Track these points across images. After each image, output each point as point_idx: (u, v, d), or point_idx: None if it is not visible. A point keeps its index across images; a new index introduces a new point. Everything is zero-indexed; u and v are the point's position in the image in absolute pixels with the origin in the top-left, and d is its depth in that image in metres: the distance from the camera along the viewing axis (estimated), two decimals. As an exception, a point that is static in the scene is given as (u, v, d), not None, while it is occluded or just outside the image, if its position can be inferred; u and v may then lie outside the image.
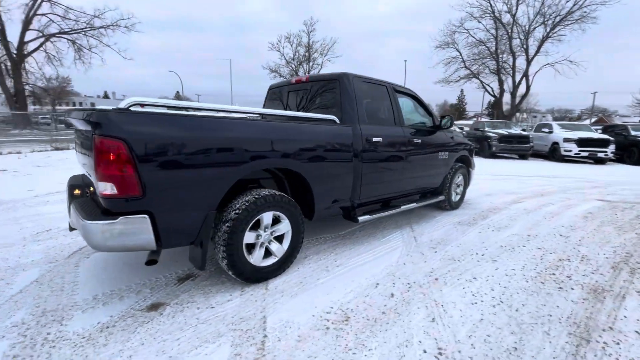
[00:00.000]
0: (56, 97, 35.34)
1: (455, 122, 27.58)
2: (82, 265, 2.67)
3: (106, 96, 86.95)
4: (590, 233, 3.75)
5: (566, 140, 12.22)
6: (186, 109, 2.27)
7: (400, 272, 2.65)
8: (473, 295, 2.30)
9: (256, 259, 2.38)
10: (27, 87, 24.69)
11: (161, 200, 1.84)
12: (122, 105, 1.79)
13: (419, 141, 3.70)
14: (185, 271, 2.59)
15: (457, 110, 66.12)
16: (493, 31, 20.67)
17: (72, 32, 25.19)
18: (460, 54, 21.77)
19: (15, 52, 23.23)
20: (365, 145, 3.02)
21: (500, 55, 20.69)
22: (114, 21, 25.55)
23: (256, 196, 2.29)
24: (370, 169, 3.14)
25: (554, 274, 2.66)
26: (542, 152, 13.61)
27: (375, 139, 3.10)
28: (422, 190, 4.09)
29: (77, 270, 2.58)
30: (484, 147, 13.48)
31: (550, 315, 2.06)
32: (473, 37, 21.12)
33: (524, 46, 20.09)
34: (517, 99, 20.91)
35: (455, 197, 4.71)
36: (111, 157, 1.67)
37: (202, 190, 1.98)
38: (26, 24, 23.44)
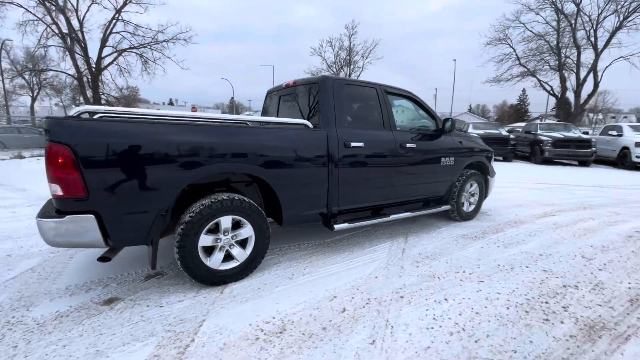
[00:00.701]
0: (126, 105, 39.95)
1: (512, 125, 25.21)
2: (76, 257, 2.95)
3: (171, 103, 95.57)
4: (624, 256, 3.15)
5: (639, 144, 10.50)
6: (137, 115, 2.39)
7: (366, 286, 2.48)
8: (434, 318, 2.06)
9: (214, 262, 2.41)
10: (102, 96, 28.18)
11: (106, 201, 1.95)
12: (72, 113, 1.94)
13: (413, 146, 3.45)
14: (157, 269, 2.72)
15: (517, 112, 60.60)
16: (554, 23, 18.48)
17: (140, 46, 28.22)
18: (514, 50, 19.82)
19: (94, 66, 26.65)
20: (342, 151, 2.90)
21: (563, 50, 18.38)
22: (173, 35, 28.05)
23: (212, 200, 2.33)
24: (350, 175, 3.01)
25: (547, 302, 2.28)
26: (610, 158, 11.86)
27: (354, 144, 2.97)
28: (421, 199, 3.80)
29: (69, 261, 2.86)
30: (536, 152, 12.17)
31: (515, 352, 1.76)
32: (530, 30, 19.07)
33: (591, 38, 17.61)
34: (584, 98, 18.41)
35: (468, 208, 4.30)
36: (59, 160, 1.83)
37: (148, 194, 2.07)
38: (103, 42, 26.77)
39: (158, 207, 2.12)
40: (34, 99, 38.48)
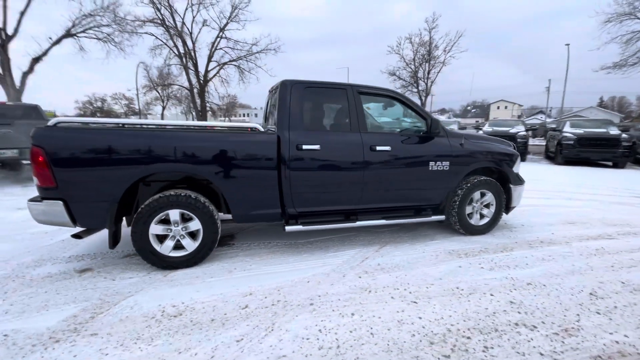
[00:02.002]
0: (227, 110, 46.13)
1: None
2: (99, 234, 3.73)
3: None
4: (662, 302, 2.32)
5: None
6: (103, 124, 2.89)
7: (288, 289, 2.49)
8: (319, 330, 1.97)
9: (164, 248, 2.77)
10: (207, 104, 33.04)
11: (70, 191, 2.50)
12: (50, 123, 2.54)
13: (387, 149, 3.20)
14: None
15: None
16: None
17: (238, 59, 32.06)
18: (650, 25, 15.15)
19: (202, 79, 31.46)
20: (294, 153, 2.93)
21: None
22: (264, 47, 31.08)
23: (160, 195, 2.69)
24: (305, 177, 3.01)
25: (469, 337, 1.90)
26: None
27: (307, 147, 2.96)
28: (406, 206, 3.48)
29: (93, 236, 3.63)
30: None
31: (368, 380, 1.58)
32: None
33: None
34: None
35: (478, 220, 3.72)
36: (38, 159, 2.43)
37: (102, 187, 2.54)
38: (209, 58, 31.32)
39: (110, 198, 2.58)
40: (163, 108, 47.64)
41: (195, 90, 31.76)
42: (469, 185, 3.57)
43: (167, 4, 27.37)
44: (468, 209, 3.65)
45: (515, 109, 60.80)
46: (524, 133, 11.90)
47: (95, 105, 60.78)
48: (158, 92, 43.51)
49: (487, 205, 3.76)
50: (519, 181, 3.87)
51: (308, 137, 2.99)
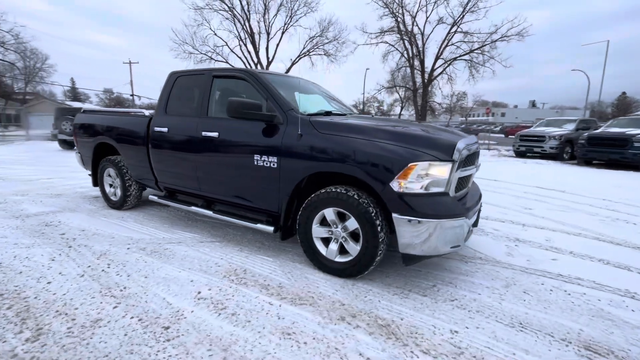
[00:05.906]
0: (450, 110, 43.37)
1: None
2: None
3: (534, 105, 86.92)
4: None
5: None
6: (98, 111, 4.51)
7: (92, 236, 3.17)
8: (27, 258, 2.63)
9: (109, 192, 4.21)
10: (427, 103, 32.71)
11: (79, 148, 4.42)
12: (81, 110, 4.52)
13: (214, 135, 2.89)
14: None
15: None
16: None
17: (470, 52, 29.27)
18: None
19: (427, 77, 31.47)
20: (152, 134, 3.42)
21: None
22: (502, 34, 26.65)
23: (105, 158, 4.13)
24: (157, 156, 3.44)
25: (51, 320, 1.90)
26: None
27: (158, 129, 3.34)
28: (241, 205, 2.95)
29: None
30: None
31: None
32: None
33: None
34: None
35: (335, 254, 2.46)
36: (74, 130, 4.51)
37: (87, 145, 4.27)
38: (437, 55, 30.68)
39: (89, 153, 4.28)
40: (401, 109, 51.80)
41: (419, 92, 32.25)
42: (313, 196, 2.46)
43: (401, 12, 29.35)
44: (319, 232, 2.50)
45: None
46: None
47: (358, 108, 76.16)
48: (398, 93, 47.66)
49: (357, 235, 2.38)
50: (430, 211, 2.08)
51: (162, 121, 3.36)
